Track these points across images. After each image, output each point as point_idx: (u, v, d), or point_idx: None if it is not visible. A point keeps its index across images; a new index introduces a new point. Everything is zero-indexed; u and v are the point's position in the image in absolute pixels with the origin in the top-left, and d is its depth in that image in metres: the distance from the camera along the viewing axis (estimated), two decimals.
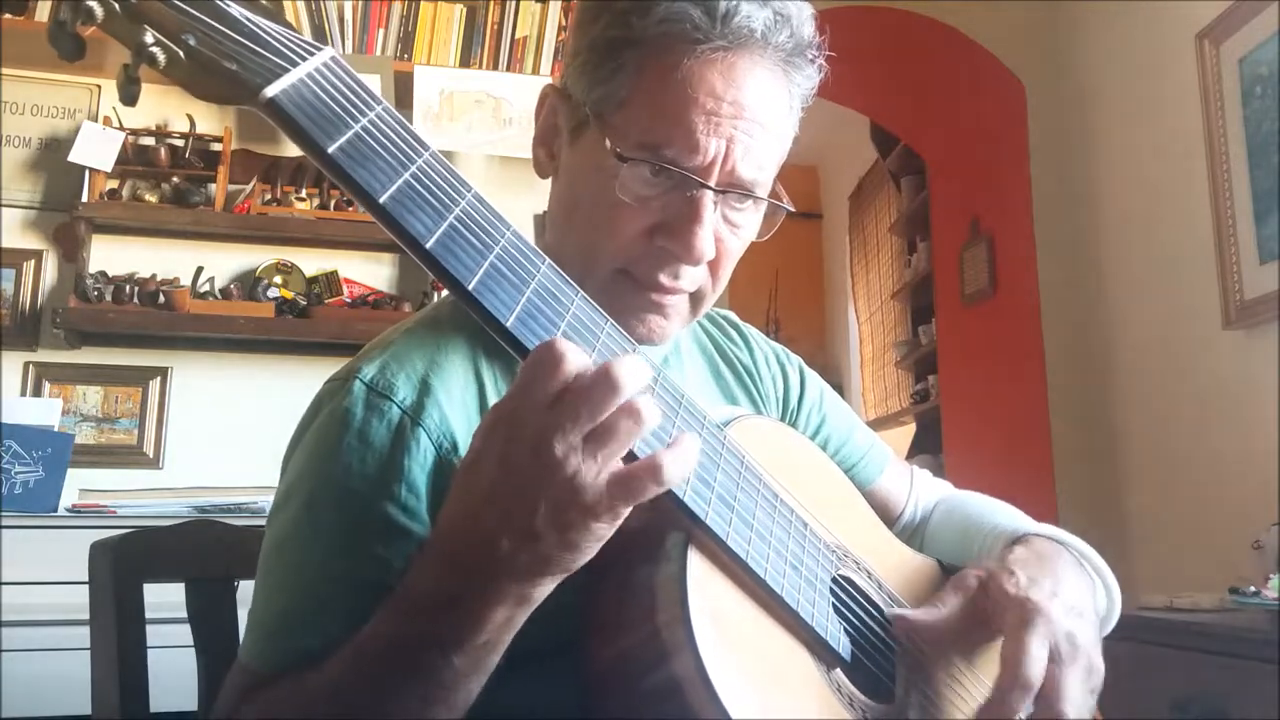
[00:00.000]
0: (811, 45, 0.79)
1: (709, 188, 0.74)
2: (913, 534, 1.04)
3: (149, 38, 0.53)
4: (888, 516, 1.01)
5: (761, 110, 0.75)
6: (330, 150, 0.54)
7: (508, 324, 0.57)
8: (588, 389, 0.53)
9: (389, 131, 0.57)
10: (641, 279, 0.77)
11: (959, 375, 3.77)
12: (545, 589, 0.58)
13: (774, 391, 1.00)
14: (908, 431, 4.49)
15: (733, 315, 1.04)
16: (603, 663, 0.67)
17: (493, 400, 0.75)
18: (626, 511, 0.56)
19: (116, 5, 0.52)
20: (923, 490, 1.07)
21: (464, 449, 0.71)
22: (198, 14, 0.53)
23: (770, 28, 0.75)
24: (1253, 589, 1.88)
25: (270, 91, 0.53)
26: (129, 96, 0.56)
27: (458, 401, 0.74)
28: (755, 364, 1.00)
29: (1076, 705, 0.72)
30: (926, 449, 4.11)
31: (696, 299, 0.81)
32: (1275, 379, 2.23)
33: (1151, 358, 2.75)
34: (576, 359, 0.54)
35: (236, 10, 0.55)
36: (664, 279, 0.77)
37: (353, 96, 0.56)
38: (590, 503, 0.53)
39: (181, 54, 0.53)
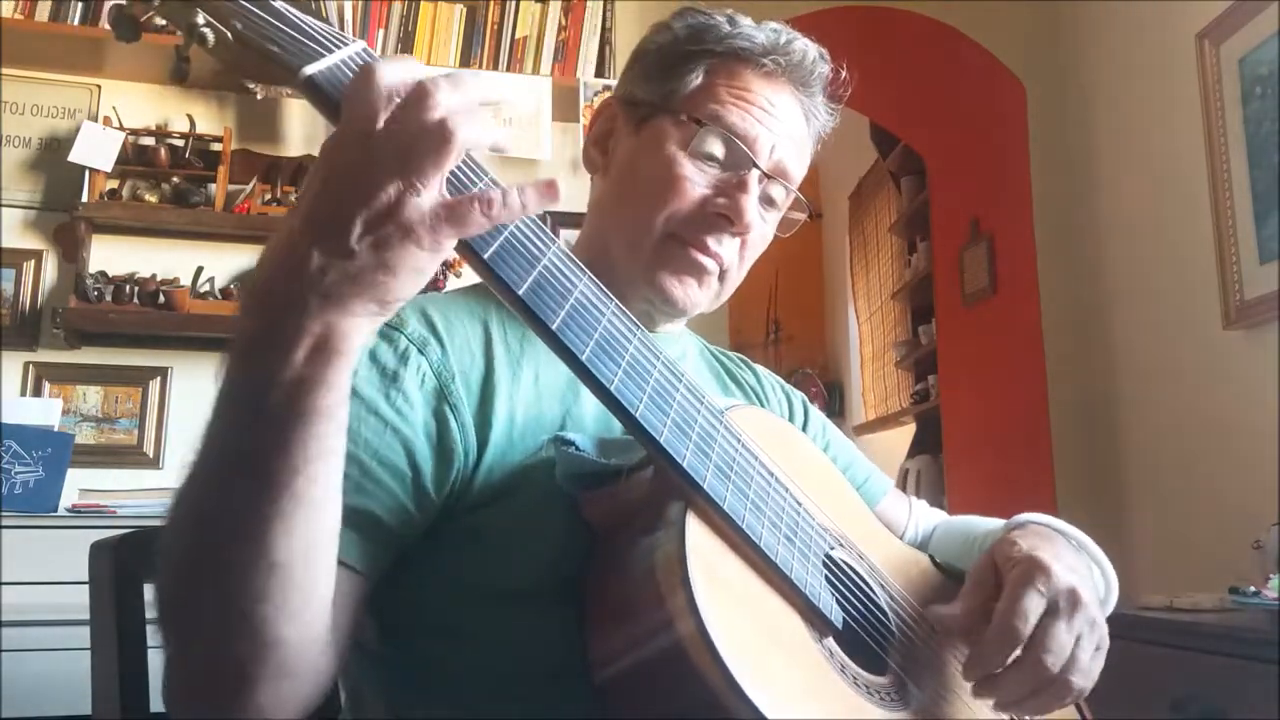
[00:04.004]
0: (833, 98, 0.95)
1: (758, 167, 0.88)
2: None
3: (200, 19, 0.58)
4: None
5: (796, 131, 0.91)
6: None
7: (520, 292, 0.60)
8: (406, 100, 0.53)
9: None
10: (689, 240, 0.87)
11: (959, 375, 3.77)
12: (355, 322, 0.55)
13: (779, 412, 1.04)
14: (908, 431, 4.48)
15: (744, 356, 1.12)
16: (602, 621, 0.68)
17: (498, 344, 0.82)
18: (449, 243, 0.55)
19: None
20: (921, 515, 1.10)
21: (465, 381, 0.78)
22: (244, 3, 0.59)
23: (816, 60, 0.92)
24: (1253, 589, 1.88)
25: (309, 71, 0.57)
26: (180, 73, 0.62)
27: (460, 343, 0.80)
28: (762, 387, 1.06)
29: (1067, 657, 0.73)
30: (926, 449, 4.11)
31: (723, 279, 0.91)
32: (1275, 379, 2.24)
33: (1151, 358, 2.75)
34: (394, 70, 0.54)
35: (279, 3, 0.60)
36: (709, 241, 0.87)
37: None
38: (408, 221, 0.52)
39: (229, 36, 0.58)
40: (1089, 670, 0.75)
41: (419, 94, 0.53)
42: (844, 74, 0.96)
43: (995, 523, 0.99)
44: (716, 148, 0.87)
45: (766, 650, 0.65)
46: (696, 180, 0.86)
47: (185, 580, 0.59)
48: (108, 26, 0.61)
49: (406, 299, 0.56)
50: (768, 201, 0.91)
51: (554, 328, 0.61)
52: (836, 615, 0.73)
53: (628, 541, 0.69)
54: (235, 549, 0.56)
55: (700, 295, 0.90)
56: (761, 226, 0.90)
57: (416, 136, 0.53)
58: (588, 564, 0.72)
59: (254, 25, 0.58)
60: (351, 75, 0.57)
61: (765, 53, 0.89)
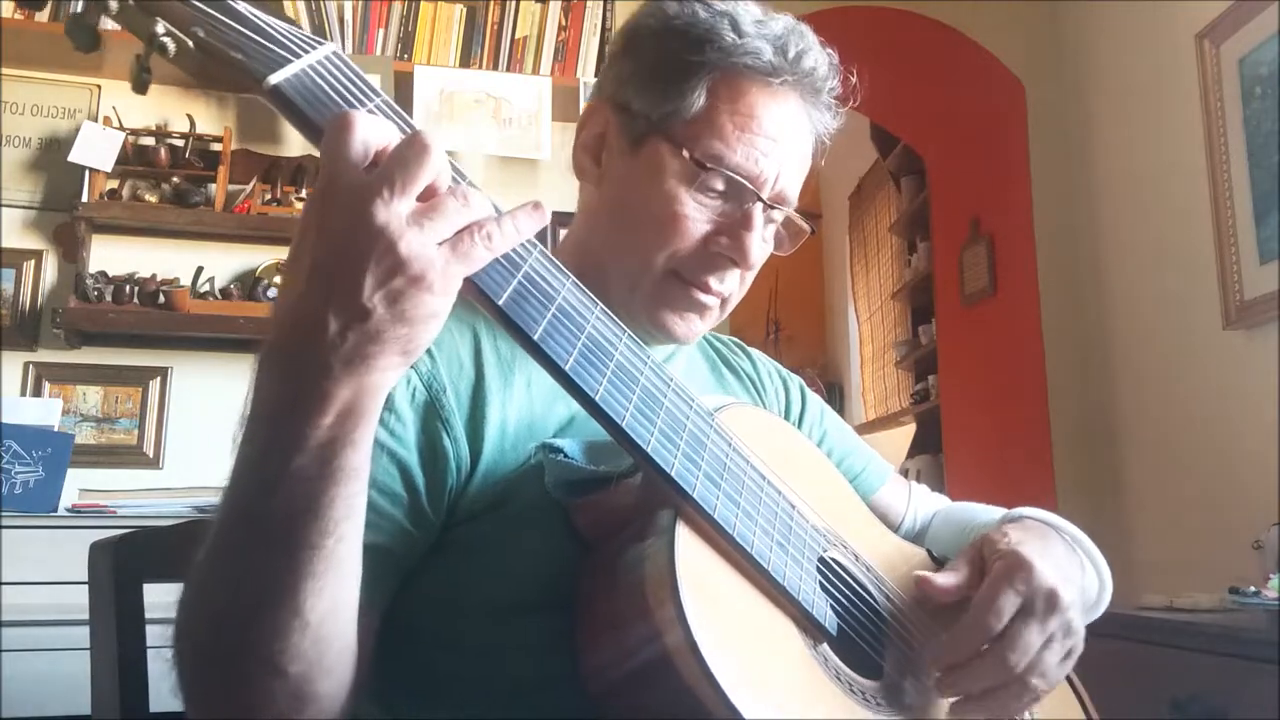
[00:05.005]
0: (840, 99, 0.91)
1: (763, 201, 0.84)
2: (913, 540, 1.05)
3: (160, 28, 0.55)
4: (888, 526, 1.02)
5: (801, 146, 0.88)
6: None
7: (500, 302, 0.59)
8: (396, 151, 0.53)
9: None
10: (690, 279, 0.85)
11: (959, 375, 3.77)
12: (383, 377, 0.54)
13: (776, 403, 1.03)
14: (908, 431, 4.48)
15: (739, 340, 1.10)
16: (594, 632, 0.68)
17: (488, 351, 0.80)
18: (458, 283, 0.54)
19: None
20: (921, 501, 1.09)
21: (455, 392, 0.76)
22: (206, 8, 0.56)
23: (827, 75, 0.88)
24: (1253, 589, 1.87)
25: (274, 79, 0.56)
26: (141, 85, 0.59)
27: (449, 352, 0.78)
28: (759, 375, 1.04)
29: (1032, 657, 0.71)
30: (926, 449, 4.11)
31: (724, 306, 0.89)
32: (1275, 379, 2.23)
33: (1151, 358, 2.75)
34: (369, 123, 0.53)
35: (243, 7, 0.57)
36: (711, 280, 0.85)
37: (353, 88, 0.59)
38: (419, 271, 0.52)
39: (191, 44, 0.56)
40: (1052, 675, 0.73)
41: (417, 147, 0.52)
42: (854, 81, 0.92)
43: (994, 512, 0.99)
44: (719, 183, 0.83)
45: (758, 659, 0.65)
46: (698, 217, 0.83)
47: (220, 643, 0.59)
48: (66, 35, 0.61)
49: (427, 345, 0.55)
50: (769, 219, 0.88)
51: (535, 338, 0.60)
52: (830, 621, 0.72)
53: (618, 550, 0.68)
54: (270, 614, 0.56)
55: (702, 326, 0.89)
56: (764, 250, 0.88)
57: (439, 201, 0.53)
58: (579, 572, 0.71)
59: (216, 32, 0.56)
60: (319, 82, 0.56)
61: (773, 71, 0.84)
